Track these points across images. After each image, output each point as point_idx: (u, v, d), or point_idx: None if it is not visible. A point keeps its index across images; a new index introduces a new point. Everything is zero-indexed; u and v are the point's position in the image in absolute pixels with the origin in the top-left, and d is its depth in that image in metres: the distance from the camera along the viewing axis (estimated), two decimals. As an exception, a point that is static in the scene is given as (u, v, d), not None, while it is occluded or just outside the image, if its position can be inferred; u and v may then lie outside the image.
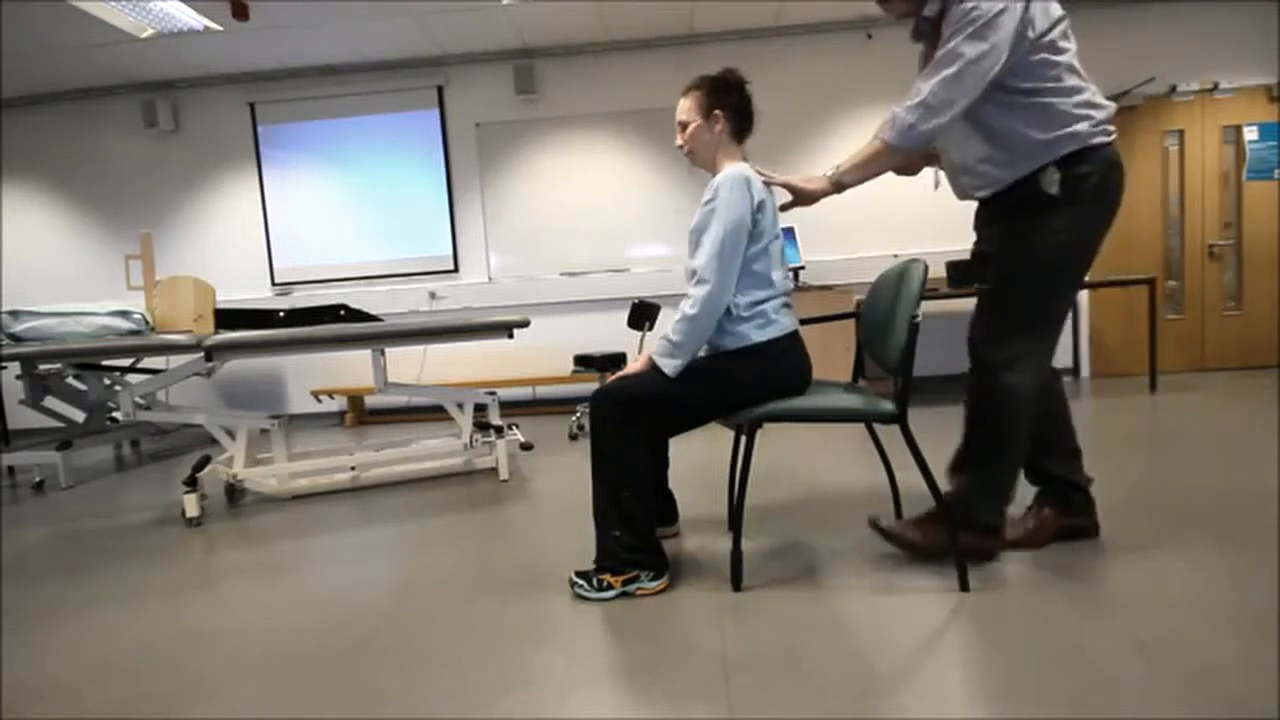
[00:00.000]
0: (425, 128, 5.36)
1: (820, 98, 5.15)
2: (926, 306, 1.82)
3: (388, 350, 3.31)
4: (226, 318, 3.32)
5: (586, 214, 5.30)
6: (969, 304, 1.91)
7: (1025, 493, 1.94)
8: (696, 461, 3.16)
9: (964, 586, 1.66)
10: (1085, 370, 5.18)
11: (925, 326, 1.76)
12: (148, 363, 4.69)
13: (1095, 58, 4.82)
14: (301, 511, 2.83)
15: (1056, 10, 1.63)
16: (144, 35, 4.41)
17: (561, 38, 5.08)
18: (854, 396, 1.80)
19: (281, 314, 3.44)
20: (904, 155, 1.78)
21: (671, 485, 2.17)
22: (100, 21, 4.15)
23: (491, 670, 1.44)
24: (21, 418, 4.74)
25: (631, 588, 1.74)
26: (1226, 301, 5.11)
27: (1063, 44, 1.63)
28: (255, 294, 5.47)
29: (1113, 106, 1.69)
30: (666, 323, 1.80)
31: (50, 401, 4.03)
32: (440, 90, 5.33)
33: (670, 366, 1.76)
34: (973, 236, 1.96)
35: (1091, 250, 1.73)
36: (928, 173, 2.06)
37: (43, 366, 3.88)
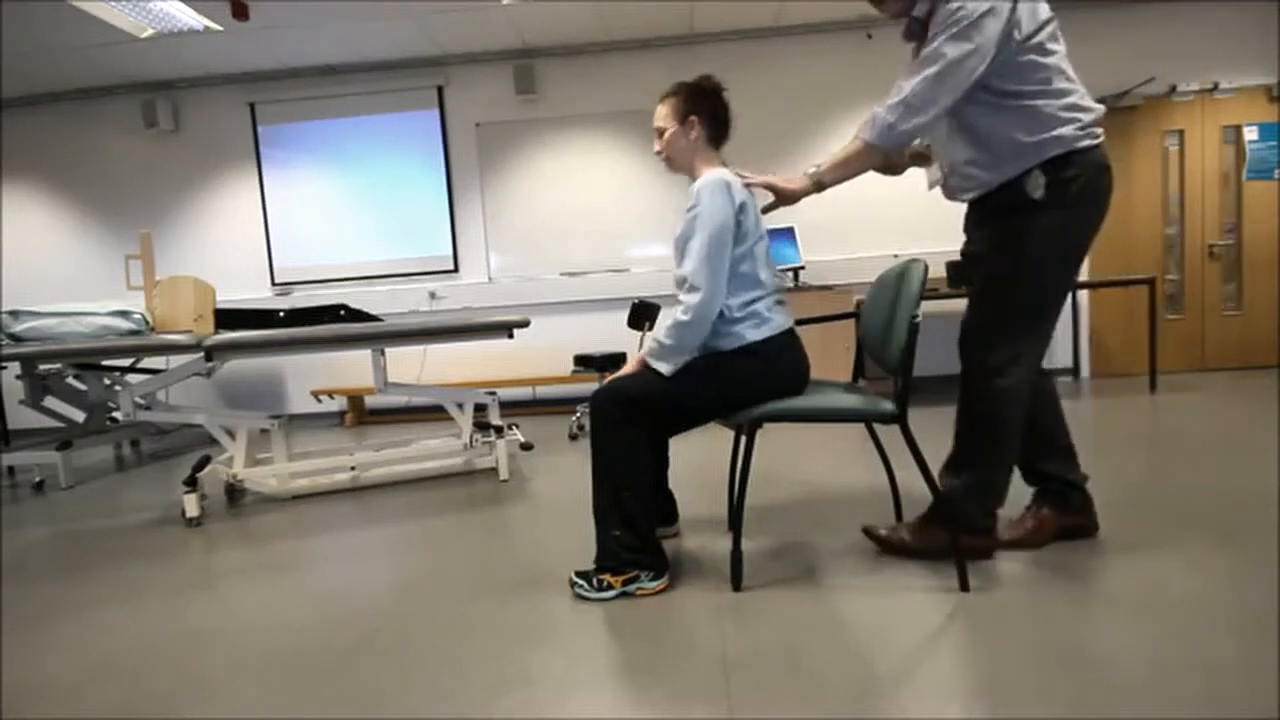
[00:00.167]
0: (425, 128, 5.36)
1: (820, 98, 5.15)
2: (926, 306, 1.82)
3: (388, 350, 3.31)
4: (226, 318, 3.32)
5: (586, 214, 5.30)
6: (968, 304, 1.90)
7: (1023, 493, 1.95)
8: (696, 461, 3.16)
9: (964, 586, 1.66)
10: (1085, 370, 5.17)
11: (925, 326, 1.77)
12: (148, 363, 4.69)
13: (1095, 58, 4.88)
14: (301, 511, 2.83)
15: (1044, 12, 1.62)
16: (144, 35, 4.41)
17: (561, 38, 5.08)
18: (854, 396, 1.80)
19: (281, 314, 3.44)
20: (884, 155, 1.78)
21: (671, 485, 2.17)
22: (100, 21, 4.15)
23: (491, 670, 1.44)
24: (21, 418, 4.75)
25: (631, 588, 1.74)
26: (1226, 302, 5.11)
27: (1050, 46, 1.62)
28: (255, 294, 5.48)
29: (1101, 109, 1.68)
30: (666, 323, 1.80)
31: (50, 401, 4.03)
32: (440, 90, 5.33)
33: (662, 369, 1.77)
34: (971, 237, 1.96)
35: (1079, 253, 1.73)
36: (921, 173, 2.06)
37: (43, 366, 3.88)
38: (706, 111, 1.87)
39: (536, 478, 3.14)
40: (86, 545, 2.56)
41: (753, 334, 1.78)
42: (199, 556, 2.34)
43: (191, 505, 2.71)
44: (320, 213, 5.45)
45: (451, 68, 5.31)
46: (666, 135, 1.89)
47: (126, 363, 4.53)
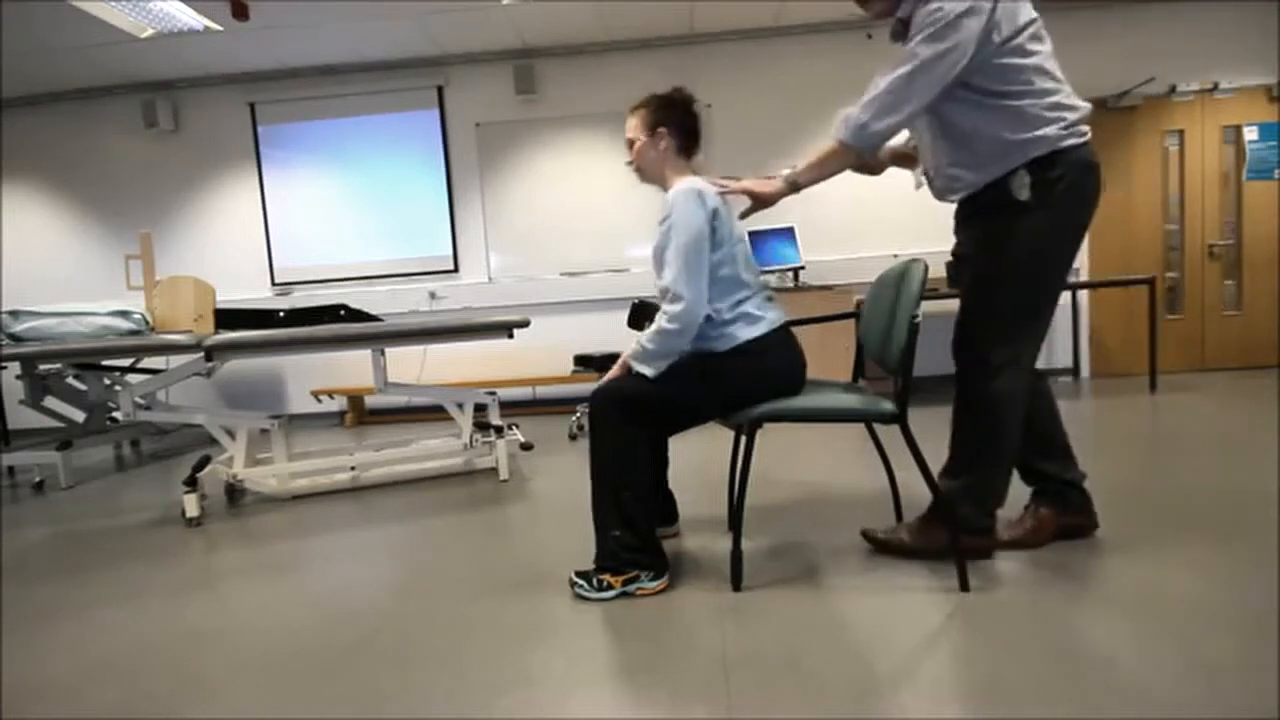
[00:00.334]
0: (425, 128, 5.36)
1: (820, 98, 5.14)
2: (926, 306, 1.82)
3: (388, 350, 3.31)
4: (226, 318, 3.33)
5: (586, 214, 5.30)
6: (968, 304, 1.90)
7: (1022, 493, 1.95)
8: (696, 461, 3.16)
9: (964, 586, 1.66)
10: (1085, 370, 5.17)
11: (925, 326, 1.77)
12: (148, 363, 4.69)
13: (1096, 58, 4.89)
14: (301, 511, 2.83)
15: (1026, 14, 1.61)
16: (144, 35, 4.41)
17: (561, 38, 5.08)
18: (854, 396, 1.80)
19: (281, 314, 3.44)
20: (859, 155, 1.77)
21: (671, 485, 2.17)
22: (100, 21, 4.15)
23: (491, 670, 1.44)
24: (21, 418, 4.74)
25: (631, 588, 1.74)
26: (1226, 302, 5.11)
27: (1032, 46, 1.61)
28: (255, 294, 5.48)
29: (1087, 106, 1.67)
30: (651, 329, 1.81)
31: (50, 401, 4.03)
32: (440, 90, 5.33)
33: (645, 372, 1.78)
34: (969, 238, 1.96)
35: (1068, 253, 1.71)
36: (908, 174, 2.06)
37: (43, 366, 3.88)
38: (676, 123, 1.89)
39: (536, 478, 3.14)
40: (86, 545, 2.56)
41: (747, 333, 1.78)
42: (199, 556, 2.34)
43: (191, 505, 2.71)
44: (320, 213, 5.45)
45: (451, 68, 5.31)
46: (636, 146, 1.92)
47: (126, 363, 4.53)
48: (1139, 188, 5.11)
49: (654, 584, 1.76)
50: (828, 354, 4.26)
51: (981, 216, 1.76)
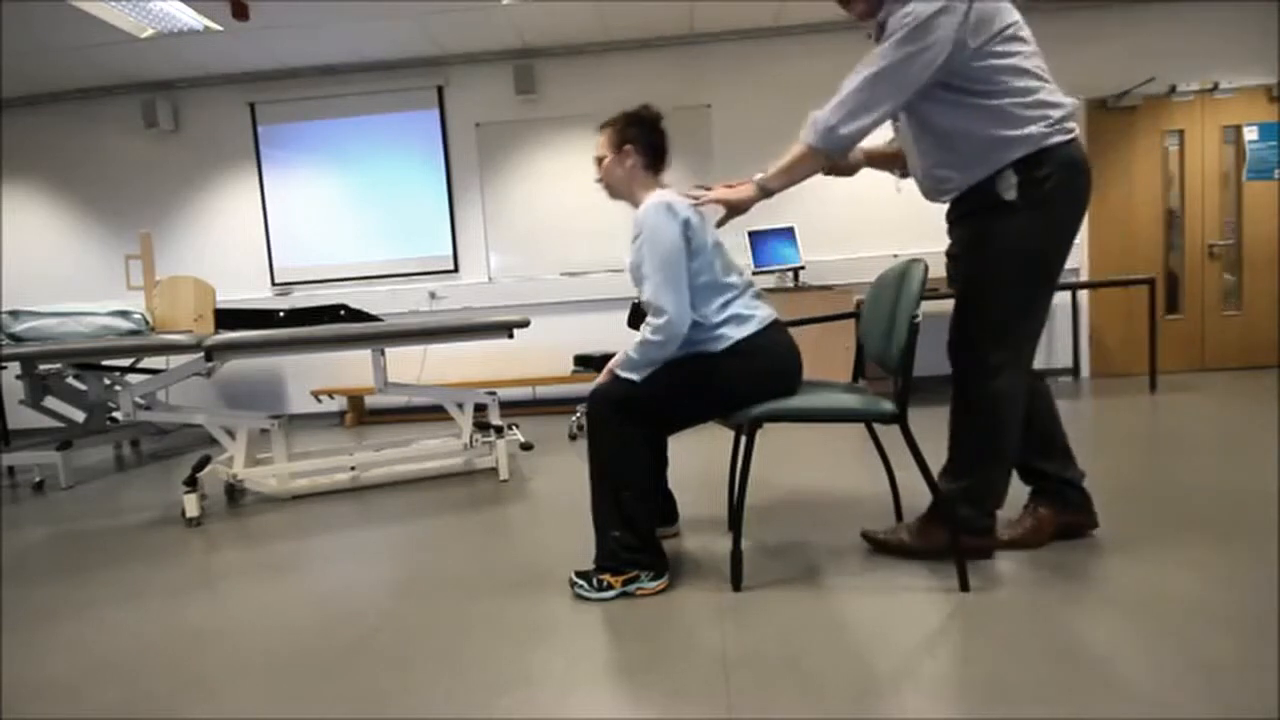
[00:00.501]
0: (425, 128, 5.36)
1: (820, 98, 5.07)
2: (926, 306, 1.82)
3: (388, 350, 3.31)
4: (226, 318, 3.33)
5: (586, 214, 5.30)
6: (969, 304, 1.90)
7: (1022, 493, 1.95)
8: (696, 461, 3.16)
9: (964, 586, 1.66)
10: (1085, 370, 5.17)
11: (925, 326, 1.77)
12: (148, 363, 4.69)
13: (1095, 58, 4.89)
14: (301, 511, 2.83)
15: (1007, 15, 1.60)
16: (144, 35, 4.41)
17: (561, 38, 5.08)
18: (854, 396, 1.80)
19: (281, 314, 3.45)
20: (828, 158, 1.77)
21: (671, 485, 2.17)
22: (100, 21, 4.15)
23: (491, 670, 1.44)
24: (21, 418, 4.74)
25: (631, 588, 1.74)
26: (1226, 302, 5.11)
27: (1011, 46, 1.60)
28: (255, 294, 5.48)
29: (1073, 103, 1.66)
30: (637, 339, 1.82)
31: (50, 401, 4.03)
32: (440, 90, 5.33)
33: (631, 378, 1.79)
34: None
35: (1059, 252, 1.70)
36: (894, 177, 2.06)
37: (43, 366, 3.88)
38: (642, 140, 1.91)
39: (536, 478, 3.14)
40: (86, 545, 2.56)
41: (738, 332, 1.79)
42: (199, 556, 2.34)
43: (191, 505, 2.71)
44: (320, 213, 5.45)
45: (451, 68, 5.31)
46: (604, 163, 1.94)
47: (126, 363, 4.53)
48: (1139, 188, 5.11)
49: (654, 584, 1.76)
50: (828, 354, 4.27)
51: (970, 218, 1.75)
